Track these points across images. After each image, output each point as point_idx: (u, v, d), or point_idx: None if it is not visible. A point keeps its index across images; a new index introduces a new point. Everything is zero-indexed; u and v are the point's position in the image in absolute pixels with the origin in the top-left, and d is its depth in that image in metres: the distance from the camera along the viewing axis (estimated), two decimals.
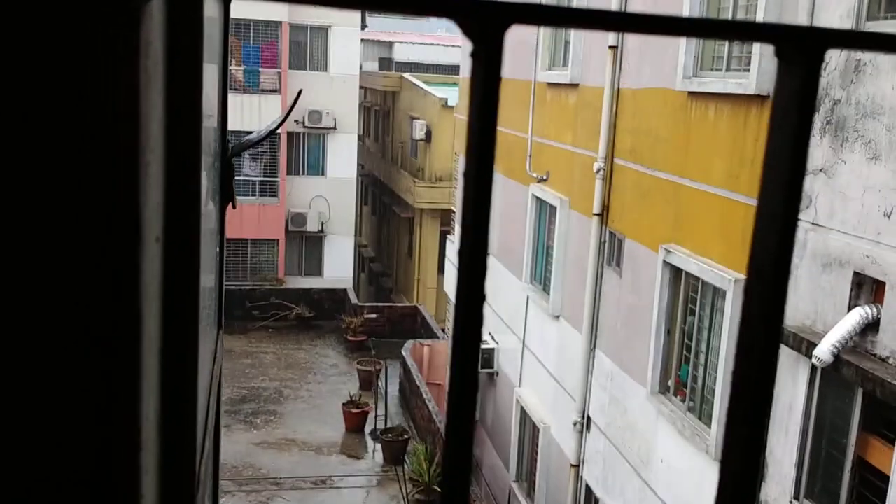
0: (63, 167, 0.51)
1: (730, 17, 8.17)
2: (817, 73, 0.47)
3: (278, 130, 25.34)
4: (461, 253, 0.44)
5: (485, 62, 0.41)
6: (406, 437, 16.82)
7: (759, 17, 7.42)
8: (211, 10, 1.48)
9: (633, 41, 10.06)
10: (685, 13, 8.62)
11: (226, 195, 1.82)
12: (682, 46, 8.68)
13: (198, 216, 0.83)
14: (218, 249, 1.84)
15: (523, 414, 13.37)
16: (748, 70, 7.70)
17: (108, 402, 0.56)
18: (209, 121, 1.59)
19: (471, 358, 0.46)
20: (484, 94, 0.42)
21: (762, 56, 7.37)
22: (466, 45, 0.42)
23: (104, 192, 0.51)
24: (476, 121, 0.43)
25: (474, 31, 0.40)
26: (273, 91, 25.56)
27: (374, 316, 22.94)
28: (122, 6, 0.49)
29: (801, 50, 0.46)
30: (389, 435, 16.74)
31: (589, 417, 11.02)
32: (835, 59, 6.53)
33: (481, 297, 0.45)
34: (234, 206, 1.87)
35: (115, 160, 0.51)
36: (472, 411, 0.46)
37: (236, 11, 24.52)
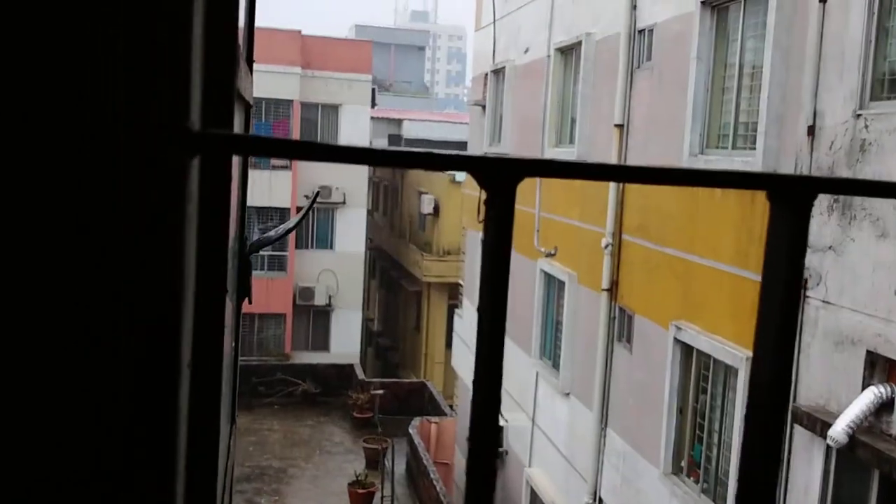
0: (120, 301, 0.55)
1: (734, 98, 8.30)
2: (807, 217, 0.49)
3: (287, 205, 25.60)
4: (474, 395, 0.44)
5: (498, 210, 0.41)
6: None
7: (763, 99, 7.53)
8: (238, 121, 1.52)
9: (638, 119, 10.21)
10: (689, 100, 8.76)
11: (243, 291, 1.83)
12: (688, 124, 8.81)
13: (221, 340, 0.85)
14: (234, 344, 1.84)
15: (533, 495, 13.10)
16: (754, 148, 7.78)
17: None
18: (230, 224, 1.62)
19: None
20: (496, 237, 0.42)
21: (767, 134, 7.46)
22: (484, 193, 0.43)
23: (153, 325, 0.55)
24: (489, 260, 0.43)
25: (489, 183, 0.41)
26: (283, 167, 25.93)
27: (380, 392, 22.72)
28: (174, 163, 0.54)
29: (792, 198, 0.47)
30: None
31: (601, 499, 10.78)
32: (839, 137, 6.60)
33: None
34: (250, 302, 1.88)
35: (162, 296, 0.55)
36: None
37: None
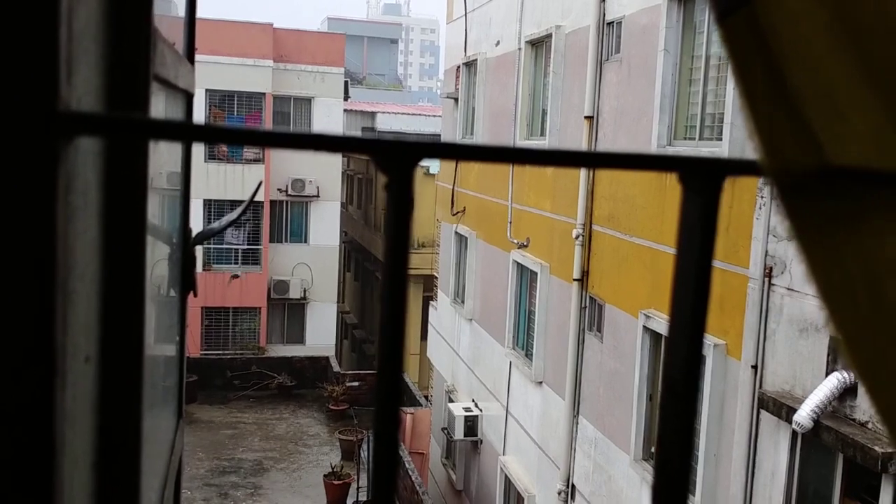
0: None
1: (701, 89, 8.40)
2: (717, 199, 0.50)
3: (261, 198, 25.45)
4: (379, 367, 0.47)
5: (397, 192, 0.44)
6: None
7: (730, 90, 7.63)
8: (172, 112, 1.53)
9: (608, 111, 10.29)
10: (657, 92, 8.85)
11: (187, 284, 1.84)
12: (656, 115, 8.89)
13: (138, 332, 0.85)
14: (179, 337, 1.85)
15: (507, 482, 13.20)
16: (720, 139, 7.88)
17: None
18: (172, 212, 1.62)
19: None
20: (396, 220, 0.45)
21: (734, 125, 7.56)
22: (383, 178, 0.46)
23: (14, 326, 0.52)
24: (390, 242, 0.45)
25: (386, 166, 0.44)
26: (256, 161, 25.77)
27: (356, 384, 22.72)
28: (37, 146, 0.51)
29: (703, 178, 0.49)
30: None
31: (573, 486, 10.89)
32: None
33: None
34: (195, 295, 1.89)
35: (24, 292, 0.52)
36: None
37: (221, 83, 24.87)
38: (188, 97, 1.78)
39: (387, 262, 0.44)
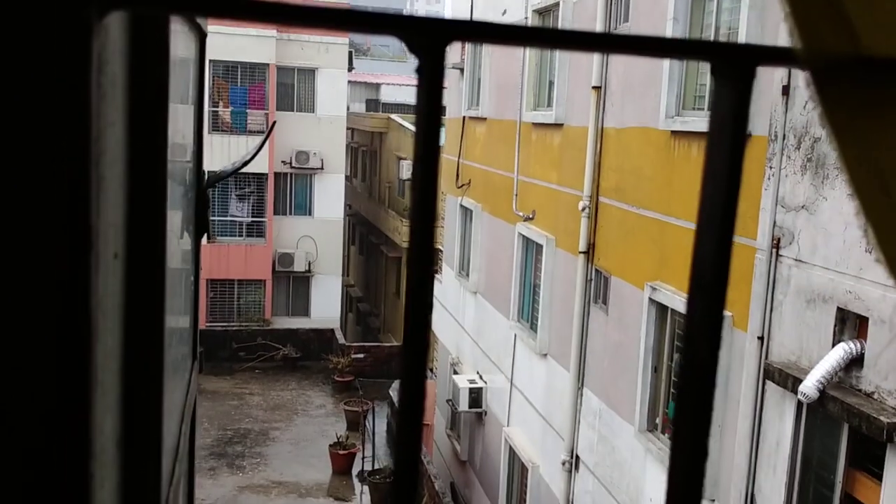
0: (6, 176, 0.52)
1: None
2: (749, 89, 0.49)
3: (265, 171, 25.41)
4: (409, 260, 0.46)
5: (428, 74, 0.42)
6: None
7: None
8: (185, 50, 1.51)
9: (615, 82, 10.21)
10: (665, 62, 8.75)
11: (201, 227, 1.82)
12: (665, 86, 8.82)
13: (162, 234, 0.85)
14: (193, 279, 1.84)
15: (512, 453, 13.28)
16: None
17: (55, 411, 0.57)
18: (184, 153, 1.60)
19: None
20: (427, 103, 0.43)
21: None
22: (413, 63, 0.44)
23: (50, 203, 0.53)
24: (421, 129, 0.44)
25: (418, 46, 0.42)
26: (260, 132, 25.69)
27: (361, 356, 22.83)
28: (71, 19, 0.51)
29: (735, 66, 0.47)
30: (377, 476, 16.56)
31: (577, 456, 10.95)
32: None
33: (427, 308, 0.46)
34: (209, 239, 1.88)
35: (62, 170, 0.53)
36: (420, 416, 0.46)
37: (224, 54, 24.73)
38: (202, 36, 1.76)
39: (417, 147, 0.42)
